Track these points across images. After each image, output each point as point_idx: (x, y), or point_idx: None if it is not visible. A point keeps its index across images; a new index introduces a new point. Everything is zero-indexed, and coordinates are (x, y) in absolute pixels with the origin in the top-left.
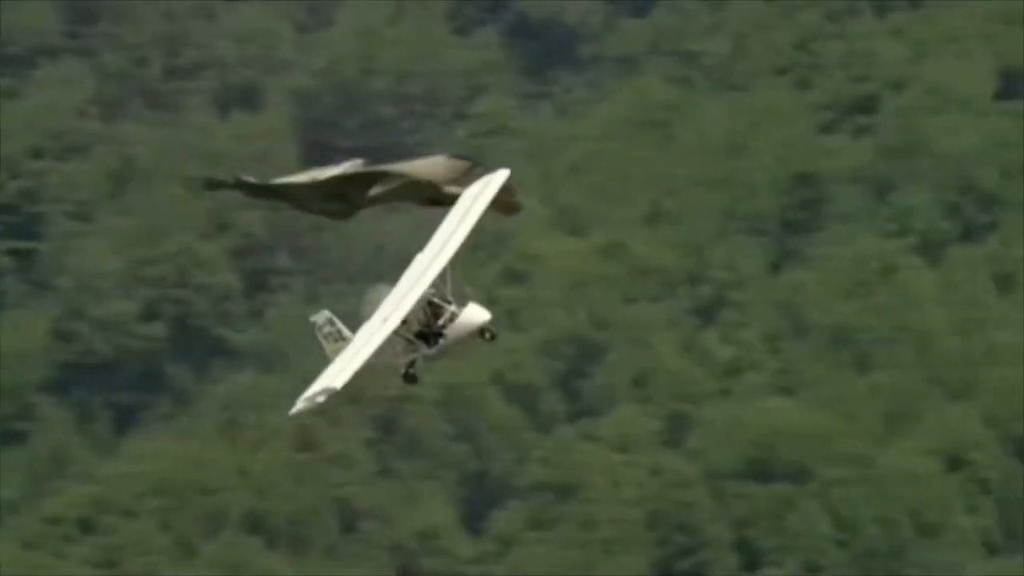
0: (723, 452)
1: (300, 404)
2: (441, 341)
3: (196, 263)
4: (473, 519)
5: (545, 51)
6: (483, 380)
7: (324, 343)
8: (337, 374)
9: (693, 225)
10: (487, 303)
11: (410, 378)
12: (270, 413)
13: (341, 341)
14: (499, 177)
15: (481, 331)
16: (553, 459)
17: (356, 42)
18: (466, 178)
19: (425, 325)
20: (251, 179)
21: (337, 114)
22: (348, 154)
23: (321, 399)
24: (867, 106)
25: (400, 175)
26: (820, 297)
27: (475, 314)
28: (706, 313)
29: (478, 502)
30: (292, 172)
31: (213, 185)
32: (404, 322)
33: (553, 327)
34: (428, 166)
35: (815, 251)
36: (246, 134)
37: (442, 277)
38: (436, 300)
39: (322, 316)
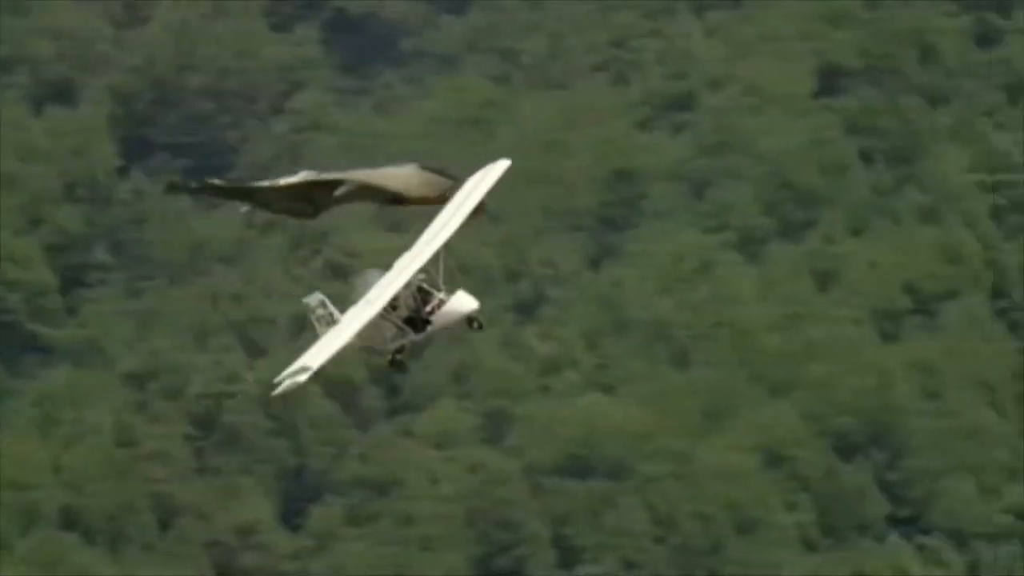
0: (542, 449)
1: (283, 384)
2: (428, 327)
3: (9, 259)
4: (291, 515)
5: (364, 47)
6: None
7: (316, 325)
8: (316, 354)
9: (512, 222)
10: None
11: (397, 364)
12: (86, 409)
13: (333, 324)
14: (500, 167)
15: (469, 320)
16: (371, 455)
17: (173, 38)
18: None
19: (414, 311)
20: (217, 182)
21: (154, 110)
22: (165, 150)
23: (301, 378)
24: (684, 103)
25: (364, 182)
26: (638, 294)
27: (463, 302)
28: (525, 310)
29: (296, 498)
30: (109, 167)
31: (176, 188)
32: (395, 307)
33: None
34: (401, 178)
35: (633, 247)
36: (62, 130)
37: (435, 264)
38: (425, 286)
39: (315, 298)
